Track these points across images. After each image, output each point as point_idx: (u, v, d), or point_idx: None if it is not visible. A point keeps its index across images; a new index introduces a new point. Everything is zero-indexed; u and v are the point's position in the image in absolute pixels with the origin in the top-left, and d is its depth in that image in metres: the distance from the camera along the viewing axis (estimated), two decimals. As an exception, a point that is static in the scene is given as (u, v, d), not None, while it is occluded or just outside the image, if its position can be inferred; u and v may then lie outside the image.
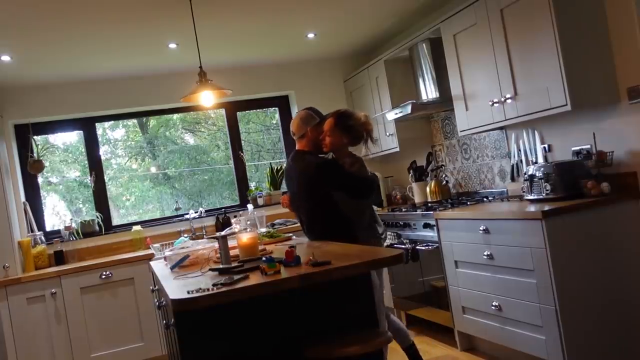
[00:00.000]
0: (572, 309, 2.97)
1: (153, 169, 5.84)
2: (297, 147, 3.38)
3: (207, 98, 3.77)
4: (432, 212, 4.00)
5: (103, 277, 4.48)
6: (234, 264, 2.52)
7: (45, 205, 5.22)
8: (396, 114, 4.59)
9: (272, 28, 4.51)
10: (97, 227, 5.12)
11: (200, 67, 3.71)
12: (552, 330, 3.01)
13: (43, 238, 4.86)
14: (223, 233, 2.70)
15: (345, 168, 3.16)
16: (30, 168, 4.90)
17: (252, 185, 5.76)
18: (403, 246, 4.27)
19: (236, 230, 2.92)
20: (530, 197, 3.41)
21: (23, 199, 4.93)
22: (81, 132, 5.31)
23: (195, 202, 5.72)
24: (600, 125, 3.28)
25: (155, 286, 3.39)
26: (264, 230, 3.94)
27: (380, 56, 4.98)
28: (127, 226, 5.25)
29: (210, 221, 5.36)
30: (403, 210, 4.53)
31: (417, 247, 4.16)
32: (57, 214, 5.35)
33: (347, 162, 3.20)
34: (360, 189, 3.12)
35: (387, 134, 5.03)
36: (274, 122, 6.06)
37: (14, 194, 4.72)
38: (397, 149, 4.97)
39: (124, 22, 3.83)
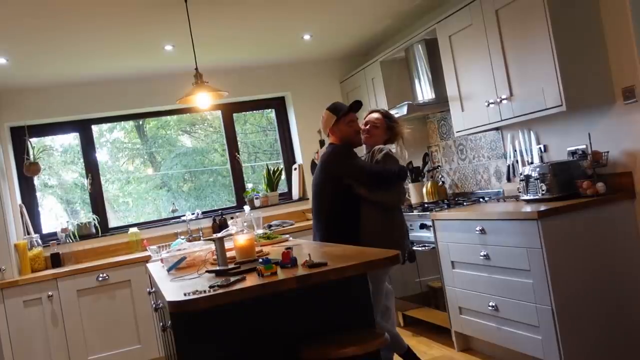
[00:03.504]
0: (568, 309, 2.98)
1: (150, 171, 5.83)
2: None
3: (203, 100, 3.77)
4: (428, 213, 4.01)
5: (100, 279, 4.47)
6: (231, 266, 2.53)
7: (42, 207, 5.21)
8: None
9: (267, 29, 4.52)
10: (93, 230, 5.11)
11: (196, 68, 3.71)
12: (548, 330, 3.02)
13: (39, 240, 4.84)
14: (220, 235, 2.70)
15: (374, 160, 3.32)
16: (27, 170, 4.89)
17: (249, 186, 5.76)
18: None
19: (233, 232, 2.92)
20: (526, 197, 3.42)
21: (19, 201, 4.92)
22: (77, 134, 5.31)
23: (192, 203, 5.72)
24: (595, 125, 3.29)
25: (152, 288, 3.39)
26: (260, 231, 3.94)
27: (376, 57, 4.99)
28: (124, 228, 5.24)
29: (207, 223, 5.35)
30: (400, 211, 4.53)
31: (414, 248, 4.16)
32: (55, 215, 5.34)
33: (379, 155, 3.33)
34: (371, 178, 3.22)
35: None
36: (271, 119, 6.06)
37: (10, 197, 4.71)
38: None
39: (120, 24, 3.83)
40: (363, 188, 3.22)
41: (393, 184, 3.25)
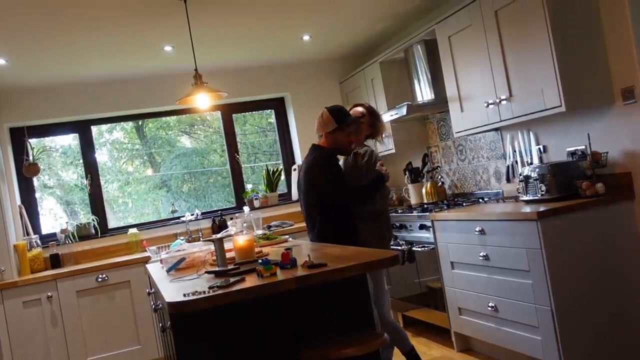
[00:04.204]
0: (567, 309, 2.98)
1: (149, 172, 5.83)
2: (317, 142, 3.40)
3: (202, 100, 3.77)
4: (428, 214, 4.01)
5: (99, 280, 4.47)
6: (230, 267, 2.52)
7: (42, 208, 5.20)
8: (392, 115, 4.60)
9: (267, 30, 4.52)
10: (93, 230, 5.11)
11: (196, 69, 3.71)
12: (547, 331, 3.02)
13: (39, 241, 4.84)
14: (219, 235, 2.70)
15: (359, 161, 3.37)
16: (26, 171, 4.89)
17: (249, 187, 5.76)
18: (399, 247, 4.27)
19: (232, 232, 2.92)
20: (525, 197, 3.42)
21: (19, 202, 4.92)
22: (77, 134, 5.31)
23: (191, 204, 5.72)
24: (594, 126, 3.29)
25: (151, 289, 3.39)
26: (260, 232, 3.93)
27: (376, 58, 4.99)
28: (124, 229, 5.24)
29: (207, 223, 5.35)
30: (399, 211, 4.53)
31: (413, 249, 4.17)
32: (55, 216, 5.33)
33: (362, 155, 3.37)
34: (347, 197, 3.19)
35: (383, 135, 5.03)
36: (271, 122, 6.06)
37: (9, 198, 4.71)
38: (393, 150, 4.98)
39: (119, 25, 3.83)
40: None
41: (374, 196, 3.27)
